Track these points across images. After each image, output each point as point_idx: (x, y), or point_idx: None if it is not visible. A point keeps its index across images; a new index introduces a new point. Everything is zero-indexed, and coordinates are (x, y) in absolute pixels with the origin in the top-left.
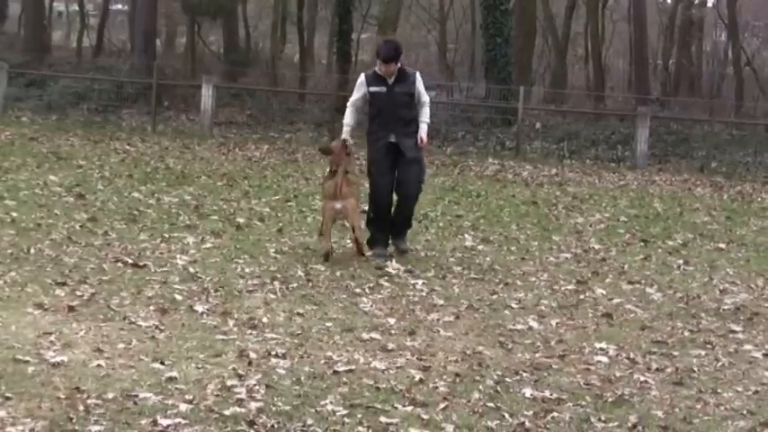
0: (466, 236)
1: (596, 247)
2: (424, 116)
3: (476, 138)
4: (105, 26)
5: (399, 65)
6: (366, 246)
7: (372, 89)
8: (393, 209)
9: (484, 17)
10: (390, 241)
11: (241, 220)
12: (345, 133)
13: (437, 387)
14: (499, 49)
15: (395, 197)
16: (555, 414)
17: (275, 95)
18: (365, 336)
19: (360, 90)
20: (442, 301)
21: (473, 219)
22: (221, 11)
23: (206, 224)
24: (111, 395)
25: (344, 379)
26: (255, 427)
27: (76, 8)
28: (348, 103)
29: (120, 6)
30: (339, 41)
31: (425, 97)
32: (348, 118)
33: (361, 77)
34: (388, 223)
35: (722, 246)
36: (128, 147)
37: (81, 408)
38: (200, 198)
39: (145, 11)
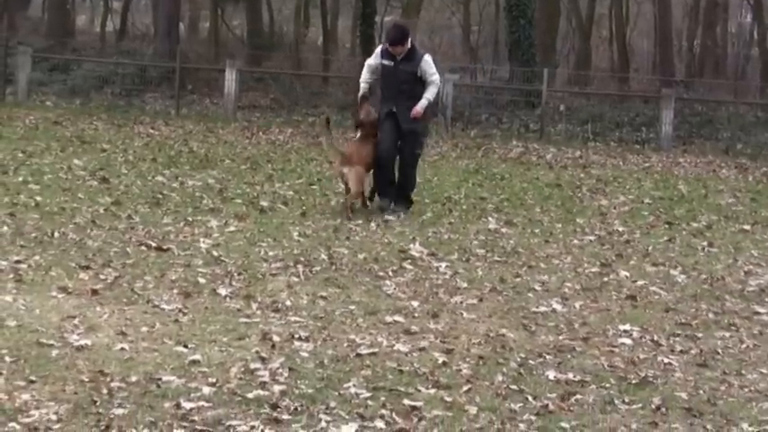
0: (489, 218)
1: (620, 229)
2: (428, 93)
3: (500, 120)
4: (129, 10)
5: (409, 45)
6: (368, 199)
7: (384, 62)
8: (397, 173)
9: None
10: (393, 202)
11: (264, 204)
12: (363, 90)
13: (460, 370)
14: (523, 30)
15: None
16: (578, 396)
17: (299, 79)
18: (388, 319)
19: (375, 58)
20: (465, 284)
21: (497, 201)
22: None
23: (229, 207)
24: (134, 378)
25: (367, 362)
26: (279, 409)
27: None
28: (366, 63)
29: None
30: (363, 25)
31: (434, 77)
32: (364, 75)
33: (379, 48)
34: (390, 184)
35: (747, 227)
36: (151, 130)
37: (105, 391)
38: (223, 181)
39: None
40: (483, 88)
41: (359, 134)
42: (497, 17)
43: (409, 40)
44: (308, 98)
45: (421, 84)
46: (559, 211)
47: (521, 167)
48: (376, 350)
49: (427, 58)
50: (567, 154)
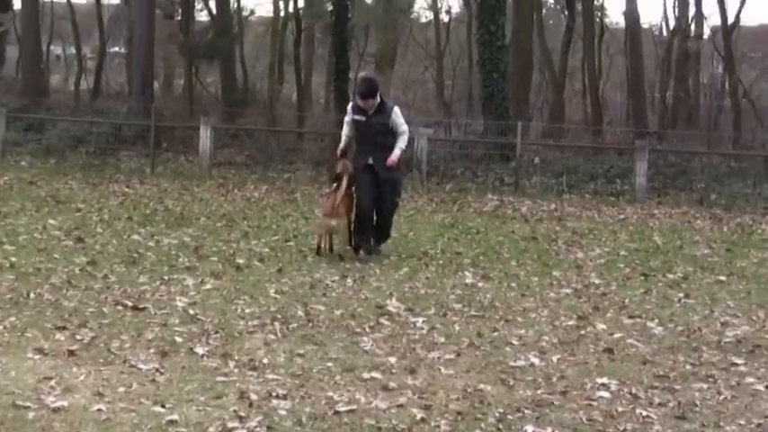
0: (466, 273)
1: (597, 281)
2: (400, 142)
3: (475, 174)
4: (103, 69)
5: (379, 99)
6: (351, 249)
7: (355, 117)
8: (375, 219)
9: (480, 53)
10: (372, 244)
11: (241, 261)
12: (343, 143)
13: (439, 426)
14: (496, 84)
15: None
16: None
17: (273, 135)
18: (366, 375)
19: (349, 115)
20: (442, 339)
21: (473, 255)
22: (218, 52)
23: (206, 265)
24: None
25: (346, 419)
26: None
27: (74, 51)
28: (344, 121)
29: (117, 49)
30: (336, 80)
31: (402, 127)
32: (345, 130)
33: (350, 105)
34: (370, 230)
35: (723, 278)
36: (126, 189)
37: None
38: (199, 239)
39: (142, 54)
40: (457, 142)
41: (337, 185)
42: (471, 71)
43: (378, 93)
44: (282, 154)
45: (392, 134)
46: (536, 264)
47: (496, 221)
48: (354, 407)
49: (396, 110)
50: (542, 207)
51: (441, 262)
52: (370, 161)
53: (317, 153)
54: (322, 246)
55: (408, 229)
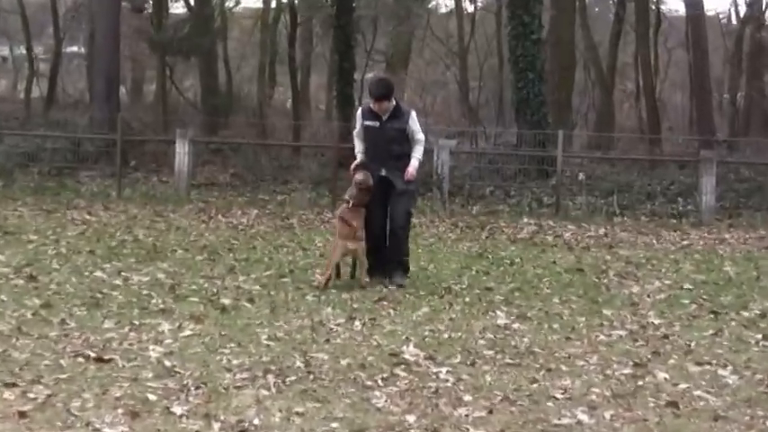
0: (498, 312)
1: (656, 321)
2: (417, 152)
3: (507, 193)
4: (58, 73)
5: (394, 102)
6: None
7: (366, 123)
8: (388, 241)
9: (512, 49)
10: (388, 278)
11: (226, 302)
12: (360, 158)
13: None
14: (531, 86)
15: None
16: None
17: (264, 150)
18: None
19: (358, 122)
20: (470, 393)
21: (506, 291)
22: (197, 50)
23: (184, 307)
24: None
25: None
26: None
27: (24, 52)
28: (354, 135)
29: (75, 49)
30: (340, 83)
31: (419, 135)
32: (358, 146)
33: (359, 110)
34: (384, 251)
35: None
36: (88, 216)
37: None
38: (176, 276)
39: (106, 54)
40: (486, 156)
41: (352, 202)
42: (501, 71)
43: (393, 94)
44: (275, 172)
45: (408, 142)
46: (582, 301)
47: (534, 250)
48: None
49: (414, 114)
50: (588, 232)
51: (467, 300)
52: (383, 173)
53: (316, 171)
54: (331, 275)
55: (428, 260)
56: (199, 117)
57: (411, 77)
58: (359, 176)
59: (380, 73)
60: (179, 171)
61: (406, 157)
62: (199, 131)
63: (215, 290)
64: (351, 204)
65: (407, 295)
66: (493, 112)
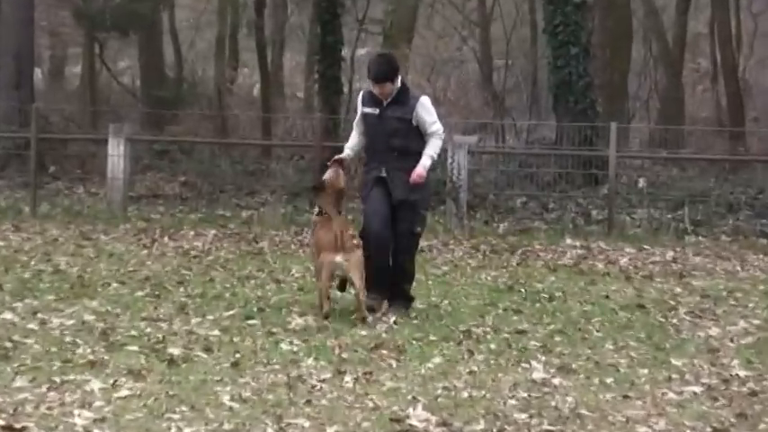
0: (533, 363)
1: (741, 373)
2: (430, 148)
3: (544, 206)
4: None
5: (400, 85)
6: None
7: (365, 110)
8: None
9: (548, 16)
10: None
11: (175, 352)
12: (345, 153)
13: None
14: (575, 63)
15: None
16: None
17: (225, 151)
18: None
19: (359, 109)
20: None
21: (544, 335)
22: (137, 22)
23: (120, 359)
24: None
25: None
26: None
27: None
28: (354, 123)
29: None
30: (322, 62)
31: (434, 126)
32: (351, 140)
33: (359, 96)
34: (386, 275)
35: None
36: None
37: None
38: (109, 318)
39: (15, 25)
40: (516, 157)
41: (317, 210)
42: (534, 44)
43: (399, 77)
44: (240, 180)
45: (418, 136)
46: (644, 347)
47: (580, 280)
48: None
49: (424, 100)
50: (652, 256)
51: (493, 346)
52: (383, 173)
53: (293, 178)
54: (325, 306)
55: (441, 295)
56: (138, 109)
57: (416, 54)
58: (326, 174)
59: (377, 49)
60: (112, 180)
61: (414, 157)
62: (138, 127)
63: (160, 336)
64: (317, 213)
65: (414, 341)
66: (524, 99)
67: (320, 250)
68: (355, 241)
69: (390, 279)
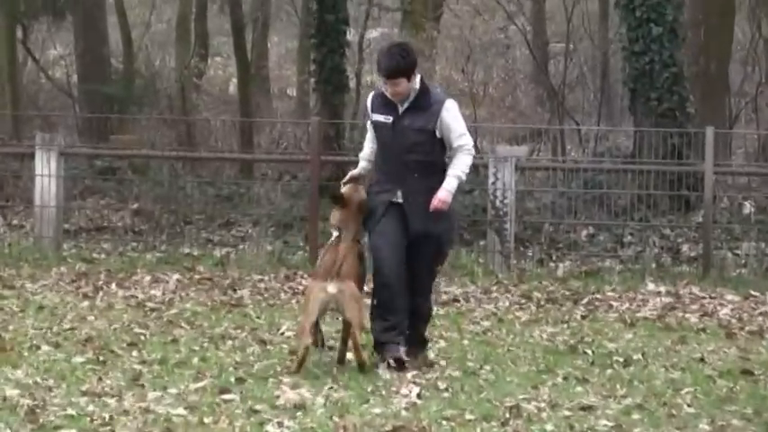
0: None
1: None
2: (456, 167)
3: (618, 240)
4: None
5: (418, 83)
6: (374, 351)
7: (376, 117)
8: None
9: None
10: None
11: None
12: (358, 169)
13: None
14: (658, 49)
15: None
16: None
17: (191, 168)
18: None
19: (368, 117)
20: None
21: (617, 412)
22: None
23: None
24: None
25: None
26: None
27: None
28: (368, 125)
29: None
30: (320, 49)
31: (462, 139)
32: (365, 149)
33: (368, 99)
34: (403, 314)
35: None
36: None
37: None
38: (38, 392)
39: None
40: (580, 174)
41: (339, 230)
42: (604, 22)
43: (417, 74)
44: (211, 207)
45: (442, 150)
46: (751, 427)
47: (665, 338)
48: None
49: (450, 105)
50: (762, 306)
51: (549, 428)
52: (398, 198)
53: (283, 202)
54: (307, 339)
55: (480, 359)
56: (75, 112)
57: (446, 37)
58: (343, 189)
59: (393, 30)
60: (42, 208)
61: (438, 177)
62: (76, 137)
63: (106, 416)
64: (337, 235)
65: (443, 421)
66: (591, 97)
67: (314, 274)
68: (353, 266)
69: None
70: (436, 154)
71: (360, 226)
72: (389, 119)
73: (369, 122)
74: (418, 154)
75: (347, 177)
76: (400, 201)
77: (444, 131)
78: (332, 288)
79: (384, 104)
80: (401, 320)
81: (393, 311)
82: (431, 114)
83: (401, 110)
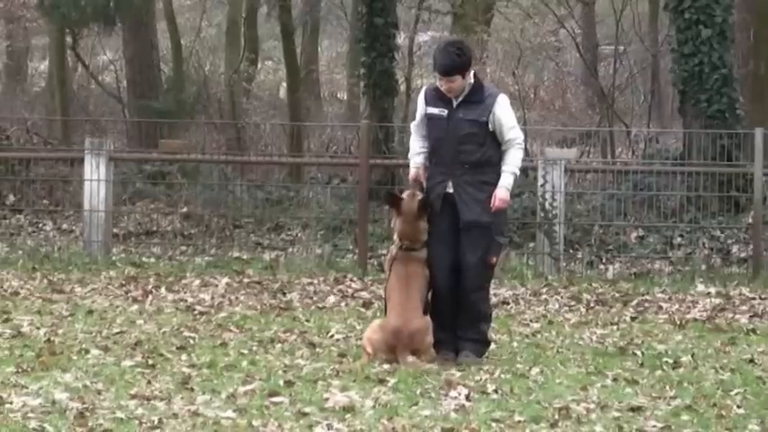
0: None
1: None
2: (510, 163)
3: (668, 242)
4: None
5: (472, 79)
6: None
7: (430, 111)
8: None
9: None
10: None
11: None
12: (414, 165)
13: None
14: (708, 51)
15: None
16: None
17: (240, 172)
18: None
19: (419, 110)
20: None
21: (667, 413)
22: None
23: None
24: None
25: None
26: None
27: None
28: (412, 126)
29: None
30: (370, 52)
31: (511, 133)
32: (414, 145)
33: (422, 93)
34: (452, 320)
35: None
36: None
37: None
38: (87, 395)
39: None
40: (629, 176)
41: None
42: (654, 23)
43: (471, 70)
44: (261, 211)
45: (494, 144)
46: None
47: (715, 339)
48: None
49: (502, 99)
50: None
51: (598, 429)
52: (449, 188)
53: (332, 207)
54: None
55: (529, 361)
56: (125, 118)
57: (496, 40)
58: (405, 193)
59: (444, 34)
60: (91, 213)
61: (490, 170)
62: (125, 142)
63: (155, 419)
64: (399, 244)
65: (493, 423)
66: (640, 99)
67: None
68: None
69: (458, 325)
70: (487, 147)
71: (421, 233)
72: (444, 112)
73: (418, 119)
74: (470, 145)
75: (412, 178)
76: (450, 191)
77: (496, 124)
78: (409, 330)
79: (439, 98)
80: (450, 324)
81: (444, 315)
82: (484, 107)
83: (455, 103)
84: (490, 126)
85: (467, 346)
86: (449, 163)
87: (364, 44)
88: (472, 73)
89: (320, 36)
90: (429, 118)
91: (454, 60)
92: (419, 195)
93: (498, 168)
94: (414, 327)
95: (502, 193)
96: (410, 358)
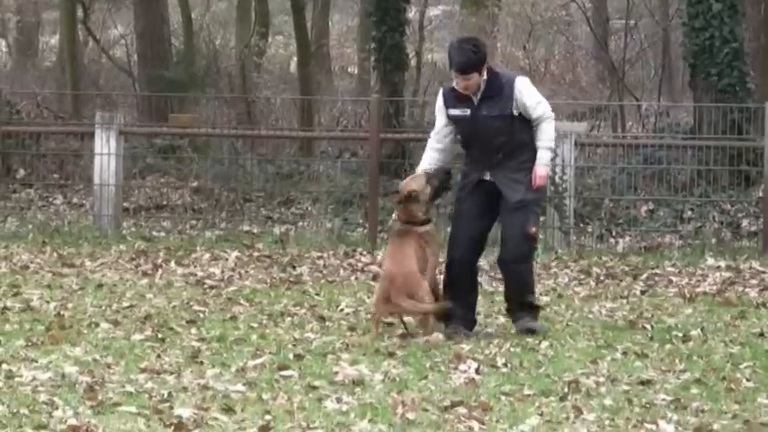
0: (662, 423)
1: None
2: (543, 139)
3: (678, 215)
4: None
5: (486, 72)
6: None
7: (453, 112)
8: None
9: None
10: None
11: (185, 414)
12: (424, 162)
13: None
14: (719, 26)
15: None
16: None
17: (251, 146)
18: None
19: (439, 116)
20: None
21: (676, 386)
22: None
23: (112, 424)
24: None
25: None
26: None
27: None
28: (431, 134)
29: None
30: (381, 25)
31: (539, 108)
32: (425, 157)
33: (439, 97)
34: (470, 293)
35: None
36: None
37: None
38: (97, 369)
39: None
40: (640, 150)
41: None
42: (663, 0)
43: (486, 64)
44: (271, 185)
45: (524, 124)
46: None
47: (725, 313)
48: None
49: (520, 83)
50: None
51: (608, 402)
52: (487, 176)
53: (341, 181)
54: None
55: (539, 334)
56: (135, 92)
57: (507, 14)
58: (406, 180)
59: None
60: (101, 187)
61: (524, 148)
62: (135, 116)
63: (165, 393)
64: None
65: (502, 396)
66: (651, 73)
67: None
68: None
69: (509, 295)
70: (518, 132)
71: (414, 214)
72: (467, 111)
73: (439, 125)
74: (501, 137)
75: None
76: (488, 178)
77: (522, 109)
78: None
79: (458, 98)
80: (465, 300)
81: (460, 289)
82: (506, 99)
83: (476, 100)
84: (515, 112)
85: (522, 315)
86: (483, 156)
87: (375, 18)
88: (486, 66)
89: (331, 10)
90: (453, 120)
91: (470, 58)
92: (422, 183)
93: (532, 146)
94: (407, 269)
95: (541, 170)
96: (407, 302)
